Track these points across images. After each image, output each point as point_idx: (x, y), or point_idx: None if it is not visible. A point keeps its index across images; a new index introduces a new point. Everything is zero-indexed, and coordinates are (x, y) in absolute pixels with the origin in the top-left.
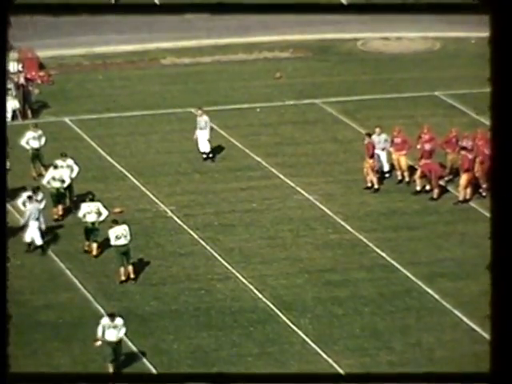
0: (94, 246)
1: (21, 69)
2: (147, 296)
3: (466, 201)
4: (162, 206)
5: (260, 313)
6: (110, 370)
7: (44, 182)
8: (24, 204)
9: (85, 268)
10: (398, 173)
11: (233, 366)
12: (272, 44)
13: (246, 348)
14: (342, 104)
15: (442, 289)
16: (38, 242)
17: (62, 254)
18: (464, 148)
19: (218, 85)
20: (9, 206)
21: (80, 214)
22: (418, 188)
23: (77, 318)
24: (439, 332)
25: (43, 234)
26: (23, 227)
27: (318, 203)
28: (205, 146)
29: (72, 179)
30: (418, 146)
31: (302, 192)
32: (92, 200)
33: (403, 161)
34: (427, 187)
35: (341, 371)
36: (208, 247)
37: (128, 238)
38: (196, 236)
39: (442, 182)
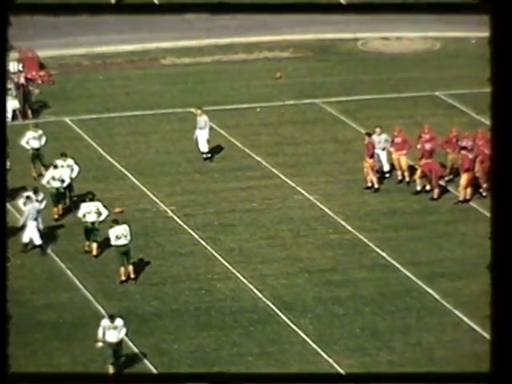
0: (94, 245)
1: (21, 69)
2: (147, 296)
3: (466, 201)
4: (162, 205)
5: (260, 313)
6: (111, 371)
7: (44, 181)
8: (24, 204)
9: (85, 268)
10: (399, 173)
11: (233, 366)
12: (272, 44)
13: (246, 348)
14: (342, 104)
15: (442, 289)
16: (37, 241)
17: (62, 253)
18: (464, 148)
19: (218, 85)
20: (9, 206)
21: (80, 213)
22: (419, 188)
23: (77, 318)
24: (439, 332)
25: (42, 233)
26: (22, 227)
27: (318, 203)
28: (203, 146)
29: (72, 179)
30: (419, 146)
31: (302, 192)
32: (92, 200)
33: (403, 161)
34: (427, 187)
35: (341, 371)
36: (208, 247)
37: (128, 237)
38: (196, 236)
39: (442, 182)
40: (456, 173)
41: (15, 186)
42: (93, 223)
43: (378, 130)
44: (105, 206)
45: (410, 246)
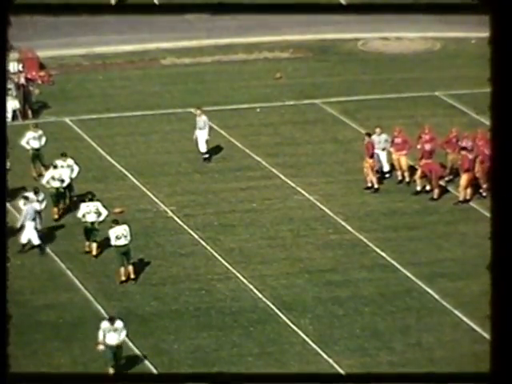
0: (94, 245)
1: (21, 69)
2: (147, 296)
3: (466, 201)
4: (162, 205)
5: (260, 313)
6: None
7: (43, 181)
8: (24, 204)
9: (85, 268)
10: (399, 173)
11: (233, 366)
12: (272, 44)
13: (246, 348)
14: (342, 104)
15: (442, 289)
16: (36, 242)
17: (62, 254)
18: (464, 148)
19: (218, 85)
20: (9, 206)
21: (79, 214)
22: (419, 188)
23: (77, 318)
24: (439, 332)
25: (40, 234)
26: (20, 228)
27: (318, 203)
28: (202, 147)
29: (72, 179)
30: (419, 146)
31: (302, 192)
32: (91, 200)
33: (403, 161)
34: (427, 187)
35: (341, 371)
36: (208, 247)
37: (128, 238)
38: (196, 236)
39: (442, 182)
40: (456, 173)
41: (15, 186)
42: (92, 223)
43: (377, 130)
44: (104, 206)
45: (410, 246)
